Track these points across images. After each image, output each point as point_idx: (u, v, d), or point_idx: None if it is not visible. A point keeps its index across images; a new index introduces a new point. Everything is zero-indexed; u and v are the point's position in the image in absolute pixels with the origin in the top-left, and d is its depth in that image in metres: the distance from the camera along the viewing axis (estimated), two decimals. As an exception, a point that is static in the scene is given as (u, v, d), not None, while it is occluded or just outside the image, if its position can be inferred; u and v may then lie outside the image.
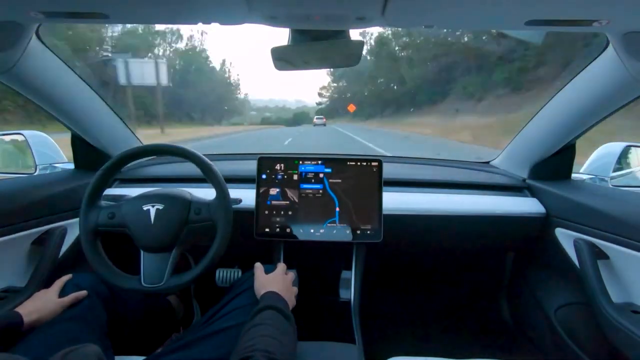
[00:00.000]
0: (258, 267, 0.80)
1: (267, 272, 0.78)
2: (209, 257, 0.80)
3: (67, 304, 0.72)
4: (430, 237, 1.13)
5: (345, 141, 12.06)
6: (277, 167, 0.99)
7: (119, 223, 0.80)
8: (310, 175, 1.00)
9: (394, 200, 1.04)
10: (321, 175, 0.99)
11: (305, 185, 0.99)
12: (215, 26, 0.64)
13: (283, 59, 0.77)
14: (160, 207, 0.80)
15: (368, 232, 0.97)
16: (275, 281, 0.75)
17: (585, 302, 0.88)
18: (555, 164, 1.08)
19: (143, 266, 0.80)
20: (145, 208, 0.80)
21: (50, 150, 1.26)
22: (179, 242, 0.81)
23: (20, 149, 1.31)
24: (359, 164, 0.99)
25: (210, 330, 0.70)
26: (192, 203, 0.83)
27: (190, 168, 0.89)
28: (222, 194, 0.82)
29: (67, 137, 1.10)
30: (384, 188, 0.98)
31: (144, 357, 0.71)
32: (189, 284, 0.81)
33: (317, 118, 30.76)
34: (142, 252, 0.81)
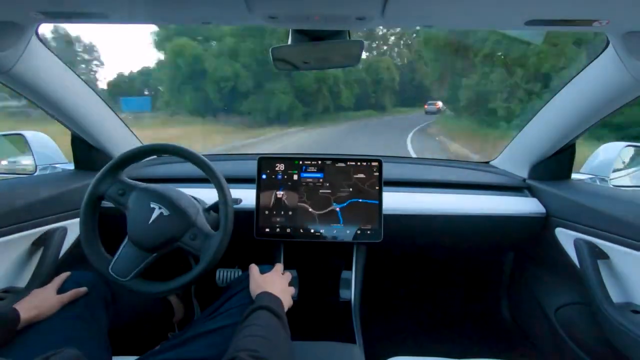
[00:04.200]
0: (253, 267, 0.80)
1: (263, 272, 0.78)
2: (180, 281, 0.78)
3: (66, 301, 0.72)
4: (430, 237, 1.13)
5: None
6: (277, 167, 0.99)
7: (123, 202, 0.80)
8: (311, 163, 1.00)
9: (394, 200, 1.04)
10: (320, 162, 1.00)
11: (305, 175, 0.99)
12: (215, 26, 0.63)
13: (283, 59, 0.76)
14: (165, 213, 0.79)
15: (368, 232, 0.97)
16: (271, 281, 0.75)
17: (586, 302, 0.88)
18: (555, 164, 1.08)
19: (119, 253, 0.78)
20: (152, 206, 0.79)
21: (50, 151, 1.26)
22: (160, 250, 0.79)
23: (20, 149, 1.31)
24: (359, 163, 0.99)
25: (205, 329, 0.70)
26: (192, 227, 0.80)
27: (190, 168, 0.89)
28: (225, 222, 0.79)
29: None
30: (384, 188, 0.98)
31: (141, 356, 0.71)
32: (150, 295, 0.79)
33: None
34: (126, 239, 0.79)
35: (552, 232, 1.01)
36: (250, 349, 0.51)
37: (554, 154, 1.06)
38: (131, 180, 0.84)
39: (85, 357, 0.51)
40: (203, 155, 0.84)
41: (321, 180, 0.99)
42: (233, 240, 0.82)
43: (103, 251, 0.80)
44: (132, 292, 0.78)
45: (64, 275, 0.78)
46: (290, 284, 0.80)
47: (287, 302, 0.72)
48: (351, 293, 1.00)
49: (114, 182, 0.81)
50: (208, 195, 0.87)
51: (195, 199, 0.89)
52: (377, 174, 0.99)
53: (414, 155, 6.96)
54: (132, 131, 1.21)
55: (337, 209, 0.98)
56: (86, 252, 0.78)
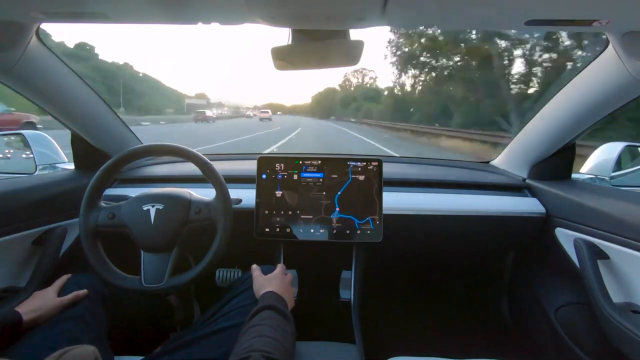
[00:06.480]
0: (255, 268, 0.80)
1: (265, 272, 0.79)
2: (209, 256, 0.80)
3: (66, 303, 0.72)
4: (430, 236, 1.13)
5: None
6: (277, 167, 0.99)
7: (119, 223, 0.80)
8: (311, 163, 1.00)
9: (394, 200, 1.04)
10: (320, 162, 1.00)
11: (305, 174, 0.99)
12: (215, 26, 0.64)
13: (283, 58, 0.76)
14: (160, 207, 0.80)
15: (368, 232, 0.97)
16: (274, 281, 0.75)
17: (586, 302, 0.88)
18: (555, 164, 1.08)
19: (143, 266, 0.80)
20: (145, 208, 0.80)
21: (50, 150, 1.26)
22: (179, 242, 0.81)
23: (20, 149, 1.31)
24: (358, 163, 0.99)
25: (209, 330, 0.70)
26: (192, 203, 0.83)
27: (190, 168, 0.89)
28: (221, 193, 0.82)
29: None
30: (384, 188, 0.98)
31: (143, 357, 0.71)
32: (189, 284, 0.81)
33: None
34: (142, 252, 0.81)
35: (552, 232, 1.01)
36: (262, 350, 0.51)
37: (553, 153, 1.06)
38: (111, 203, 0.85)
39: (99, 355, 0.51)
40: (203, 155, 0.85)
41: (321, 180, 0.99)
42: (233, 240, 0.82)
43: (122, 273, 0.81)
44: (168, 290, 0.80)
45: (65, 277, 0.78)
46: (292, 284, 0.80)
47: (289, 302, 0.72)
48: (351, 293, 1.00)
49: (98, 210, 0.82)
50: (208, 194, 0.87)
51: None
52: (377, 173, 0.99)
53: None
54: (132, 131, 1.21)
55: (337, 209, 0.98)
56: (111, 280, 0.79)
